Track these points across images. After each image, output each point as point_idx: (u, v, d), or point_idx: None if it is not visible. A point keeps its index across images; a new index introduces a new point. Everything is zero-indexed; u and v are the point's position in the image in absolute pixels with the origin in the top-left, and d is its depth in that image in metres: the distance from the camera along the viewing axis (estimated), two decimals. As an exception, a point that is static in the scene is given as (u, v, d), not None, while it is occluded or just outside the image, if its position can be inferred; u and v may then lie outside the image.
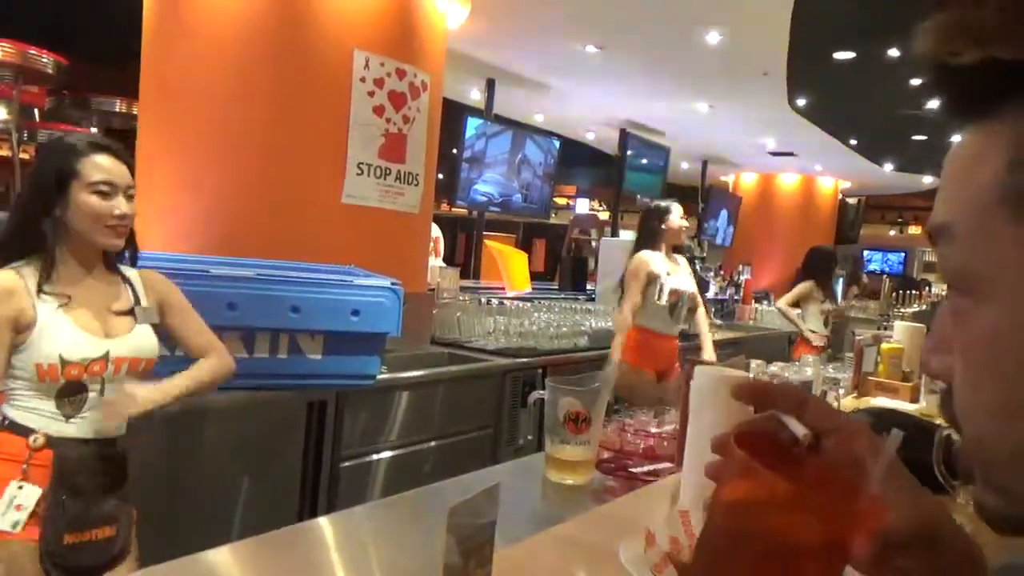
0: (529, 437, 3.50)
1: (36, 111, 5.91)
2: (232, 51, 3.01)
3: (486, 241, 6.05)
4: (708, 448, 1.08)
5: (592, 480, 1.42)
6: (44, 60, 4.59)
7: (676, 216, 3.74)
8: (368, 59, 3.11)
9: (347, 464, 2.70)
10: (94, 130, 6.28)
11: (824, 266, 5.32)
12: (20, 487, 1.47)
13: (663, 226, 3.72)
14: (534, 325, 3.92)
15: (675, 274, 3.74)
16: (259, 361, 2.35)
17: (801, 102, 5.85)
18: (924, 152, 7.68)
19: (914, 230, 18.65)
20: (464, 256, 9.66)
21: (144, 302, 1.68)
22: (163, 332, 1.73)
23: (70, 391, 1.52)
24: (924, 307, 8.00)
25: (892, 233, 18.84)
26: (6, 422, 1.52)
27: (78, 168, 1.53)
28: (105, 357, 1.54)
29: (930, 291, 9.64)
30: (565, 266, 6.58)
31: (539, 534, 1.00)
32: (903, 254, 18.20)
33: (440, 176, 3.92)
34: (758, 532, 0.45)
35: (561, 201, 15.68)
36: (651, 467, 1.49)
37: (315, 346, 2.44)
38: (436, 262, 4.76)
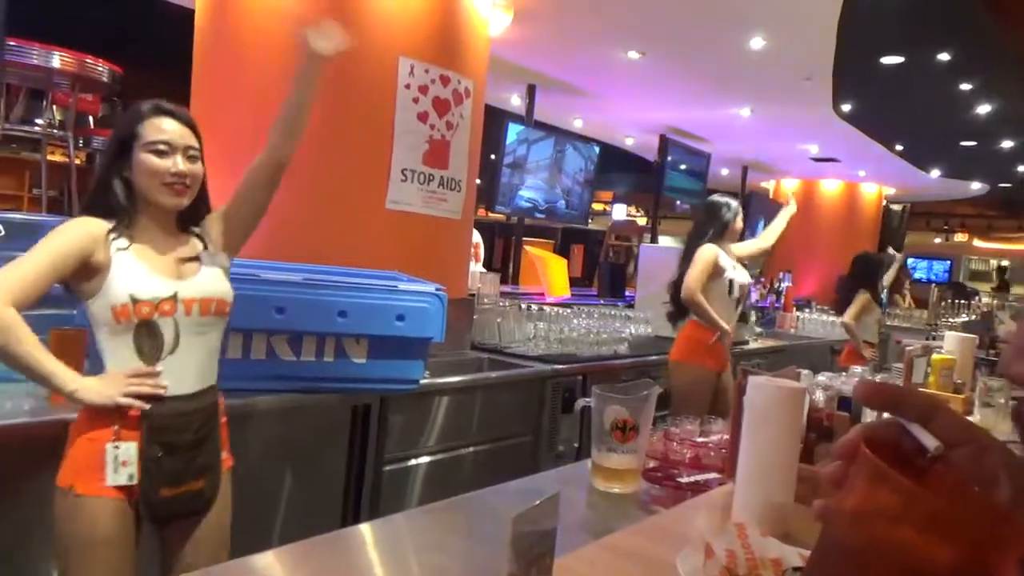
0: (575, 444, 3.48)
1: (91, 118, 6.09)
2: (280, 58, 3.06)
3: (525, 247, 6.04)
4: (763, 460, 1.07)
5: (638, 489, 1.42)
6: (100, 69, 4.73)
7: (740, 216, 3.78)
8: (413, 66, 3.15)
9: (389, 468, 2.73)
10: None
11: (874, 273, 5.25)
12: (116, 447, 1.54)
13: (734, 224, 3.72)
14: (574, 332, 3.92)
15: (738, 268, 3.78)
16: (305, 364, 2.39)
17: (846, 107, 5.76)
18: (972, 158, 7.49)
19: (960, 237, 18.19)
20: (501, 261, 9.66)
21: (211, 247, 1.76)
22: (248, 212, 1.88)
23: (145, 333, 1.59)
24: (974, 316, 7.77)
25: (937, 241, 18.40)
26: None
27: (139, 130, 1.62)
28: (174, 297, 1.61)
29: (979, 300, 9.35)
30: (604, 272, 6.56)
31: (593, 544, 1.00)
32: (949, 262, 17.78)
33: (479, 181, 3.95)
34: (890, 548, 0.40)
35: (598, 207, 15.61)
36: (698, 477, 1.48)
37: (360, 350, 2.47)
38: (476, 267, 4.78)
